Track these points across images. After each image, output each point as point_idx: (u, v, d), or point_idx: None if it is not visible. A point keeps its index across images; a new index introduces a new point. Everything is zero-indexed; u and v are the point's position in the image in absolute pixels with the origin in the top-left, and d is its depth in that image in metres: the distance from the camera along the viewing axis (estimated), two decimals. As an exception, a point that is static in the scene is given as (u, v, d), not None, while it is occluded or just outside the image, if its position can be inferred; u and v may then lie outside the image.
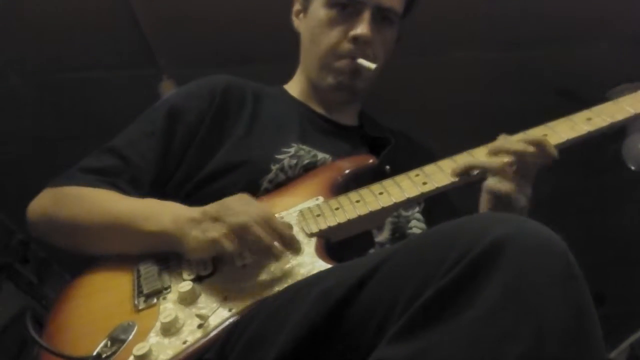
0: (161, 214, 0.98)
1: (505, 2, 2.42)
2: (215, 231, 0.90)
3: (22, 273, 3.76)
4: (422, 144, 1.34)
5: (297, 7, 1.30)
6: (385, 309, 0.68)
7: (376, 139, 1.25)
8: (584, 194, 3.59)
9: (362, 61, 1.17)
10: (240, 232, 0.90)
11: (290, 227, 0.95)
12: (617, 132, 2.80)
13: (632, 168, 2.94)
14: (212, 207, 0.94)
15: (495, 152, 0.98)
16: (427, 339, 0.61)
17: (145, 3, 2.39)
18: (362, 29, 1.16)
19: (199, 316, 0.85)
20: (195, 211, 0.95)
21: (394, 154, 1.18)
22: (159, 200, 1.04)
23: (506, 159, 0.96)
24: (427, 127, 2.90)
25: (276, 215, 1.01)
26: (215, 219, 0.92)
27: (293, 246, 0.93)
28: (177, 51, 2.61)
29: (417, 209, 1.18)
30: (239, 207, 0.92)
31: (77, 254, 1.08)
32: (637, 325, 4.74)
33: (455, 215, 0.75)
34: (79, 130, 2.98)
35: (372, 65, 1.16)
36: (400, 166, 1.05)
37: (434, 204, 1.16)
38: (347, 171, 1.10)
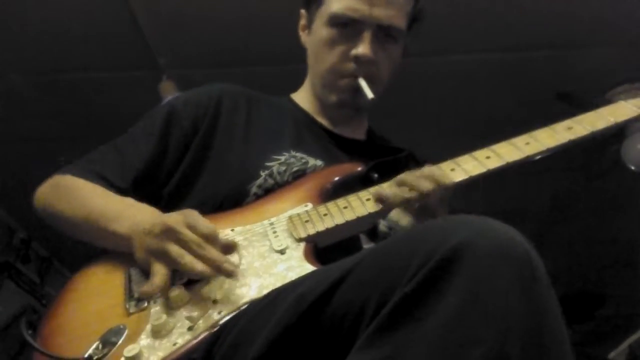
0: (125, 217, 1.00)
1: (506, 4, 2.43)
2: (152, 252, 0.93)
3: (23, 272, 3.77)
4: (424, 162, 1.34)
5: (302, 22, 1.31)
6: (356, 314, 0.69)
7: (382, 155, 1.25)
8: (584, 196, 3.59)
9: (363, 85, 1.18)
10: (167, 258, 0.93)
11: (213, 233, 0.94)
12: (617, 134, 2.80)
13: (632, 169, 2.94)
14: (156, 225, 0.94)
15: (399, 185, 1.00)
16: (392, 346, 0.62)
17: (145, 4, 2.40)
18: (362, 48, 1.17)
19: (189, 319, 0.87)
20: (148, 222, 0.96)
21: (387, 164, 1.19)
22: (132, 202, 1.05)
23: (407, 194, 0.98)
24: (427, 128, 2.92)
25: (265, 221, 1.04)
26: (155, 235, 0.94)
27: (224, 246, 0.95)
28: (177, 52, 2.62)
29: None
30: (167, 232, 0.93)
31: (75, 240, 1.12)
32: (636, 326, 4.76)
33: None
34: (79, 130, 2.99)
35: (371, 95, 1.17)
36: (390, 175, 1.06)
37: None
38: (335, 179, 1.11)
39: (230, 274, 0.91)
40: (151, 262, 0.93)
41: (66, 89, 2.78)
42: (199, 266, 0.90)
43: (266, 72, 2.63)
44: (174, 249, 0.91)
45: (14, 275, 3.67)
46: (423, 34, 2.36)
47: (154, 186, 1.17)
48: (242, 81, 1.34)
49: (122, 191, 1.12)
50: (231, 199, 1.10)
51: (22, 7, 2.36)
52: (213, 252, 0.92)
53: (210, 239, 0.93)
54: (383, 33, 1.19)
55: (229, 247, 0.96)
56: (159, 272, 0.91)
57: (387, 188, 1.01)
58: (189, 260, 0.91)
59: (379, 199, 1.00)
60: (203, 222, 0.94)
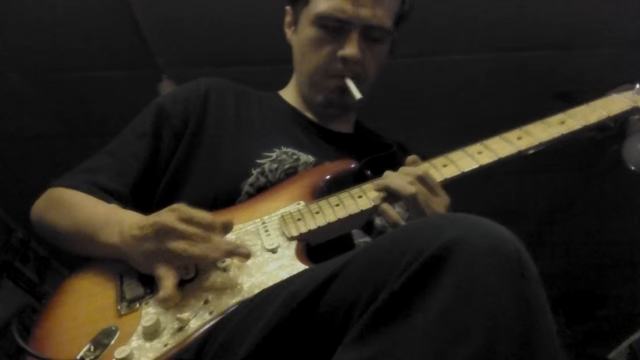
0: (112, 225, 0.98)
1: (505, 5, 2.42)
2: (151, 256, 0.92)
3: (22, 271, 3.77)
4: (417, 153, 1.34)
5: (288, 18, 1.30)
6: (346, 312, 0.69)
7: (371, 149, 1.24)
8: (584, 196, 3.59)
9: (351, 85, 1.18)
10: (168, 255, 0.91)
11: (207, 220, 0.92)
12: (617, 134, 2.80)
13: (632, 169, 2.94)
14: (147, 227, 0.92)
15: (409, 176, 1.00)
16: (380, 344, 0.62)
17: (144, 3, 2.39)
18: (350, 50, 1.16)
19: (180, 319, 0.86)
20: (136, 227, 0.94)
21: (379, 160, 1.18)
22: (118, 210, 1.04)
23: (414, 189, 0.97)
24: (427, 128, 2.91)
25: (257, 220, 1.03)
26: (149, 238, 0.92)
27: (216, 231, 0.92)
28: (176, 51, 2.62)
29: None
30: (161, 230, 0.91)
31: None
32: (637, 326, 4.75)
33: None
34: (78, 129, 2.99)
35: (359, 96, 1.17)
36: (383, 171, 1.05)
37: None
38: (328, 176, 1.10)
39: (248, 256, 0.90)
40: (154, 266, 0.91)
41: (66, 89, 2.78)
42: (214, 253, 0.89)
43: (265, 71, 2.63)
44: (179, 245, 0.89)
45: (13, 275, 3.67)
46: (423, 34, 2.37)
47: (153, 187, 1.16)
48: (242, 81, 1.33)
49: (120, 196, 1.10)
50: (224, 198, 1.09)
51: (21, 6, 2.36)
52: (221, 242, 0.90)
53: (211, 227, 0.91)
54: (370, 33, 1.18)
55: (227, 227, 0.94)
56: (167, 274, 0.89)
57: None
58: (199, 250, 0.89)
59: (386, 190, 1.00)
60: (198, 214, 0.91)
